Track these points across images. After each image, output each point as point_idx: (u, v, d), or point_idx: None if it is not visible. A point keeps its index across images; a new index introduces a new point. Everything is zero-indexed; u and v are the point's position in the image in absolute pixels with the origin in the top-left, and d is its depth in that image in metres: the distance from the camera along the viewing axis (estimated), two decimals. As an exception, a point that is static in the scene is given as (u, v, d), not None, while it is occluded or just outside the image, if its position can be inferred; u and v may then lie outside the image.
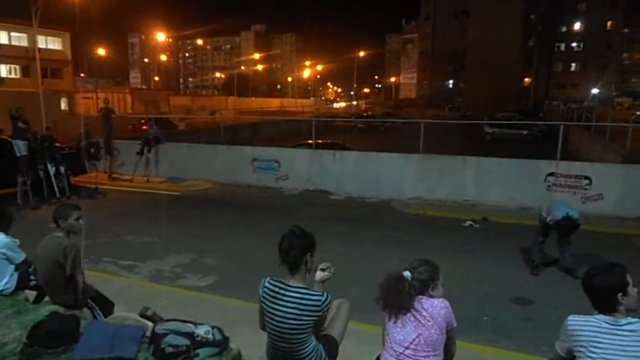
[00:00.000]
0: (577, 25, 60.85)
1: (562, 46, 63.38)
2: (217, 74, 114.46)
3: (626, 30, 65.20)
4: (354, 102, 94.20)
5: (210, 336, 2.59)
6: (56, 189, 11.29)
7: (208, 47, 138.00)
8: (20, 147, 10.82)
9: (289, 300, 2.45)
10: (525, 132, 25.72)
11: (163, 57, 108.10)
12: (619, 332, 2.12)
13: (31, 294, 3.67)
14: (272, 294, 2.50)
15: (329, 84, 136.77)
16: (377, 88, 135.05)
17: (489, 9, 55.61)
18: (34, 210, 10.35)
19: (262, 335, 2.71)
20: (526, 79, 62.63)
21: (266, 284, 2.56)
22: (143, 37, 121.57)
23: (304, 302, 2.43)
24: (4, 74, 41.29)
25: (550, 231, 6.73)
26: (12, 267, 3.59)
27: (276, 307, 2.46)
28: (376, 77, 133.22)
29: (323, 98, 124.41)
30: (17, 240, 3.75)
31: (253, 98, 72.15)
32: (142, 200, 11.92)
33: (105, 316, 3.42)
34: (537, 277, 6.57)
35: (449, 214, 10.12)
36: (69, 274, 3.23)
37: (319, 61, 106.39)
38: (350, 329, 3.99)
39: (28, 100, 19.68)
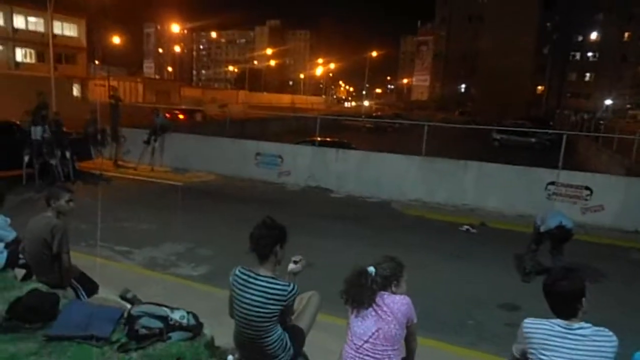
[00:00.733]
0: (593, 35, 60.27)
1: (577, 55, 62.78)
2: (230, 68, 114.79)
3: (643, 42, 64.46)
4: (365, 103, 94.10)
5: (184, 321, 2.67)
6: (61, 173, 11.45)
7: (222, 40, 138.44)
8: (37, 132, 11.03)
9: (256, 288, 2.51)
10: (533, 140, 25.57)
11: (177, 49, 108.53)
12: (571, 336, 2.16)
13: (20, 272, 3.78)
14: (241, 282, 2.57)
15: (340, 82, 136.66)
16: (389, 89, 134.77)
17: (504, 14, 55.27)
18: (37, 193, 10.51)
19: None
20: (539, 87, 62.17)
21: (236, 272, 2.63)
22: (158, 27, 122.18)
23: (270, 291, 2.50)
24: (19, 59, 41.77)
25: (544, 239, 6.74)
26: (2, 244, 3.69)
27: (244, 294, 2.53)
28: (388, 78, 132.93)
29: (335, 96, 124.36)
30: (7, 219, 3.86)
31: (264, 93, 72.35)
32: (145, 189, 12.05)
33: (89, 297, 3.51)
34: (528, 285, 6.58)
35: (447, 218, 10.13)
36: (55, 252, 3.33)
37: (332, 59, 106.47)
38: (330, 323, 4.05)
39: (41, 85, 19.93)
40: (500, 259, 7.64)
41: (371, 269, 2.69)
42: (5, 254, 3.66)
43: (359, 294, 2.57)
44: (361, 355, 2.48)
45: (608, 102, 54.42)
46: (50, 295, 2.79)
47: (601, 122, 22.94)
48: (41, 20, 39.88)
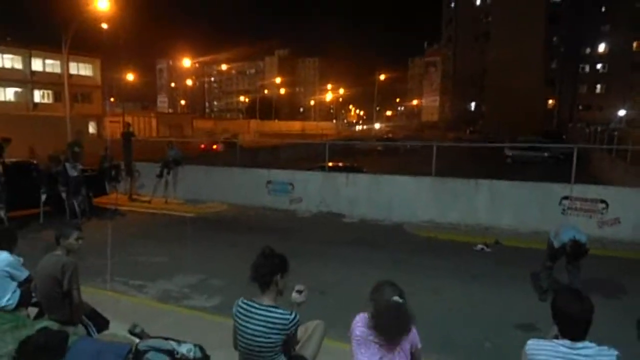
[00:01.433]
0: (601, 47, 60.16)
1: (587, 68, 62.56)
2: (242, 98, 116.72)
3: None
4: (376, 126, 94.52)
5: (190, 354, 2.68)
6: (77, 210, 11.67)
7: (233, 71, 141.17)
8: (75, 169, 11.50)
9: (258, 318, 2.53)
10: (546, 154, 25.35)
11: (189, 82, 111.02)
12: (575, 357, 2.12)
13: (33, 311, 3.84)
14: (243, 312, 2.59)
15: (350, 106, 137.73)
16: (400, 111, 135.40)
17: (510, 31, 55.58)
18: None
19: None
20: (549, 101, 61.90)
21: (239, 303, 2.65)
22: (170, 62, 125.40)
23: (271, 320, 2.51)
24: (37, 99, 43.17)
25: (559, 255, 6.62)
26: (15, 284, 3.77)
27: (246, 325, 2.54)
28: (398, 100, 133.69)
29: (345, 121, 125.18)
30: (20, 259, 3.95)
31: (275, 121, 73.22)
32: (159, 222, 12.19)
33: (99, 332, 3.55)
34: (545, 303, 6.42)
35: (460, 238, 10.03)
36: (66, 289, 3.39)
37: (341, 84, 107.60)
38: (341, 349, 4.01)
39: (57, 124, 20.58)
40: (516, 277, 7.51)
41: (397, 298, 2.65)
42: (18, 293, 3.74)
43: (401, 327, 2.51)
44: None
45: (621, 112, 53.81)
46: (58, 333, 2.83)
47: (614, 132, 22.66)
48: (58, 62, 41.30)
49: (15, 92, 42.36)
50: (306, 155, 28.05)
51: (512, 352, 5.10)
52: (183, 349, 2.70)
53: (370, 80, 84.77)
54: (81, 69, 45.35)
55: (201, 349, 2.77)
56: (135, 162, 14.96)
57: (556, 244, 6.42)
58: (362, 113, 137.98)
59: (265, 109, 76.24)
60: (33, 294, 3.82)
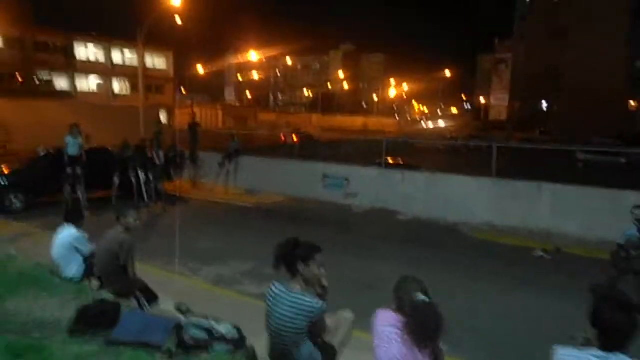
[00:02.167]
0: (696, 44, 54.72)
1: (676, 66, 57.24)
2: (305, 92, 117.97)
3: None
4: (441, 123, 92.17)
5: (228, 334, 2.84)
6: (145, 195, 12.44)
7: (298, 66, 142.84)
8: (161, 157, 13.01)
9: (286, 303, 2.63)
10: (623, 160, 23.56)
11: (255, 76, 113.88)
12: None
13: (96, 283, 4.20)
14: (274, 295, 2.70)
15: (414, 102, 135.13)
16: (466, 109, 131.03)
17: (589, 27, 51.93)
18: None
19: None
20: (632, 103, 57.33)
21: (272, 287, 2.77)
22: (239, 56, 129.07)
23: (298, 306, 2.60)
24: (117, 90, 46.17)
25: (625, 264, 6.22)
26: (82, 258, 4.14)
27: (276, 308, 2.65)
28: (464, 97, 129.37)
29: (409, 118, 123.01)
30: (86, 235, 4.33)
31: (338, 116, 73.39)
32: (219, 209, 12.72)
33: (150, 306, 3.83)
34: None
35: (519, 242, 9.64)
36: (122, 264, 3.71)
37: (406, 80, 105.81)
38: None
39: (133, 113, 21.90)
40: (575, 288, 7.11)
41: (424, 298, 2.65)
42: (84, 266, 4.11)
43: (431, 332, 2.51)
44: None
45: None
46: (113, 304, 3.10)
47: None
48: (135, 55, 43.89)
49: (98, 84, 45.53)
50: (367, 151, 27.94)
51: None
52: (222, 328, 2.86)
53: (436, 77, 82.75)
54: (155, 61, 47.89)
55: (239, 330, 2.92)
56: (199, 152, 15.66)
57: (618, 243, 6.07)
58: (426, 110, 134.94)
59: (327, 103, 76.70)
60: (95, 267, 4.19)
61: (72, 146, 11.05)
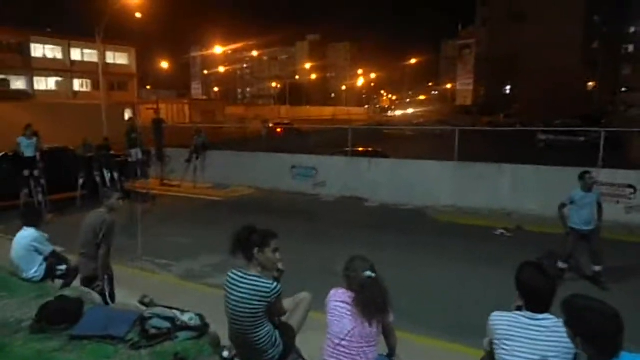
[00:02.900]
0: (647, 25, 56.97)
1: (630, 48, 59.46)
2: (273, 84, 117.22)
3: None
4: (409, 110, 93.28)
5: (192, 322, 2.92)
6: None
7: (265, 57, 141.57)
8: (137, 154, 12.75)
9: (243, 286, 2.73)
10: (582, 138, 24.45)
11: (221, 69, 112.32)
12: (534, 328, 2.21)
13: (58, 283, 4.20)
14: (231, 281, 2.80)
15: (382, 91, 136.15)
16: (433, 95, 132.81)
17: (547, 11, 53.37)
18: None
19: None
20: (589, 84, 59.35)
21: (229, 273, 2.86)
22: (204, 50, 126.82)
23: (254, 288, 2.70)
24: (77, 88, 44.84)
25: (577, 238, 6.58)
26: (41, 258, 4.13)
27: (233, 292, 2.75)
28: (430, 84, 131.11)
29: (378, 106, 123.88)
30: (46, 235, 4.31)
31: (306, 107, 73.39)
32: (187, 205, 12.65)
33: (113, 301, 3.89)
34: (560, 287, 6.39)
35: (482, 222, 9.99)
36: (99, 241, 3.83)
37: (373, 69, 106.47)
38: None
39: (94, 111, 21.39)
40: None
41: (370, 273, 2.79)
42: (44, 266, 4.09)
43: (378, 305, 2.66)
44: (338, 353, 2.63)
45: (668, 94, 51.04)
46: (75, 300, 3.13)
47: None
48: (95, 52, 42.68)
49: (57, 82, 44.09)
50: (335, 141, 28.11)
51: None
52: (185, 317, 2.93)
53: (402, 65, 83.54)
54: (117, 57, 46.71)
55: (202, 318, 3.00)
56: (165, 148, 15.47)
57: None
58: (394, 98, 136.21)
59: (296, 94, 76.51)
60: (58, 268, 4.19)
61: (27, 147, 10.73)
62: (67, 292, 3.62)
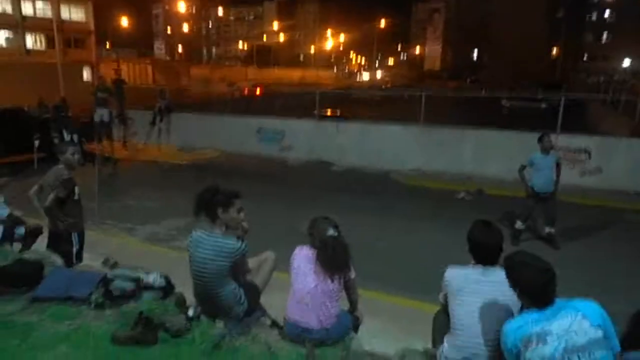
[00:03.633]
0: (610, -6, 58.10)
1: (594, 16, 60.68)
2: (240, 45, 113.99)
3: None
4: (378, 74, 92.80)
5: (156, 283, 2.92)
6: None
7: (231, 17, 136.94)
8: (104, 115, 12.54)
9: (207, 246, 2.75)
10: (543, 105, 25.14)
11: (185, 28, 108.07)
12: (485, 281, 2.35)
13: (17, 246, 4.10)
14: (196, 240, 2.81)
15: (352, 54, 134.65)
16: (402, 59, 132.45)
17: (516, -23, 53.58)
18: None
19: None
20: (553, 51, 60.53)
21: (193, 233, 2.87)
22: (167, 7, 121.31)
23: (218, 247, 2.73)
24: (29, 45, 42.25)
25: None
26: (-2, 221, 4.01)
27: (197, 251, 2.78)
28: (399, 47, 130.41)
29: (347, 70, 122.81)
30: (2, 197, 4.17)
31: (274, 69, 71.95)
32: (151, 168, 12.40)
33: (80, 261, 3.87)
34: (516, 248, 6.70)
35: (445, 186, 10.25)
36: (47, 205, 3.79)
37: (342, 31, 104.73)
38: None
39: (49, 71, 20.34)
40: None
41: (332, 232, 2.86)
42: (0, 230, 3.98)
43: (339, 261, 2.74)
44: (301, 308, 2.71)
45: (626, 63, 52.74)
46: (34, 263, 3.07)
47: (616, 84, 22.39)
48: (48, 6, 40.13)
49: (7, 38, 41.40)
50: (303, 104, 27.88)
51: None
52: (149, 277, 2.93)
53: (372, 27, 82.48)
54: (73, 13, 44.05)
55: (166, 278, 3.00)
56: (127, 110, 14.96)
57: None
58: (363, 61, 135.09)
59: (263, 56, 74.80)
60: (15, 231, 4.08)
61: None
62: (26, 255, 3.54)
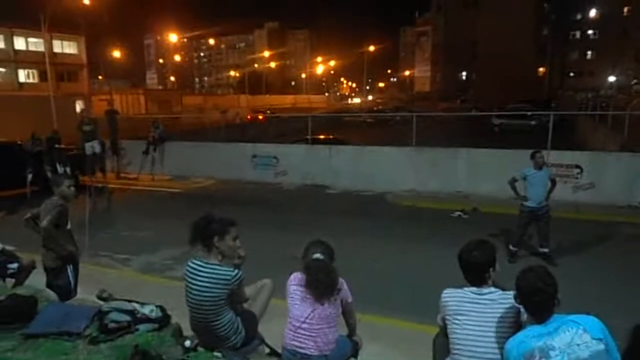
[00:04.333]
0: (592, 12, 59.59)
1: (578, 34, 62.17)
2: (232, 73, 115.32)
3: (644, 16, 63.49)
4: (369, 97, 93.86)
5: (152, 314, 2.88)
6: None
7: (222, 46, 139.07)
8: (95, 147, 12.45)
9: (203, 275, 2.73)
10: (533, 122, 25.41)
11: (177, 58, 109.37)
12: (481, 301, 2.35)
13: (10, 282, 4.04)
14: (192, 270, 2.79)
15: (342, 79, 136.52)
16: (392, 82, 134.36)
17: (499, -1, 54.93)
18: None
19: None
20: (540, 69, 61.63)
21: (189, 263, 2.85)
22: (158, 38, 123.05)
23: (215, 276, 2.71)
24: (22, 79, 42.55)
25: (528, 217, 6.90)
26: (-10, 257, 3.96)
27: (194, 281, 2.75)
28: (389, 71, 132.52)
29: (338, 94, 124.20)
30: (-6, 233, 4.13)
31: (267, 95, 72.65)
32: (145, 198, 12.35)
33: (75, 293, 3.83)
34: (513, 265, 6.69)
35: (439, 205, 10.27)
36: (44, 224, 3.78)
37: (333, 57, 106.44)
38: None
39: (42, 104, 20.40)
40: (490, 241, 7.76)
41: (318, 256, 2.85)
42: (-7, 265, 3.93)
43: (326, 284, 2.73)
44: (299, 335, 2.69)
45: (611, 78, 53.77)
46: (27, 298, 3.03)
47: (604, 101, 22.76)
48: (41, 41, 40.54)
49: (0, 72, 41.73)
50: (296, 129, 28.07)
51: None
52: (145, 309, 2.90)
53: (362, 52, 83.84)
54: (65, 47, 44.59)
55: (162, 309, 2.97)
56: (120, 140, 15.00)
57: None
58: (354, 85, 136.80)
59: (255, 83, 75.53)
60: (9, 266, 4.04)
61: None
62: (19, 290, 3.49)
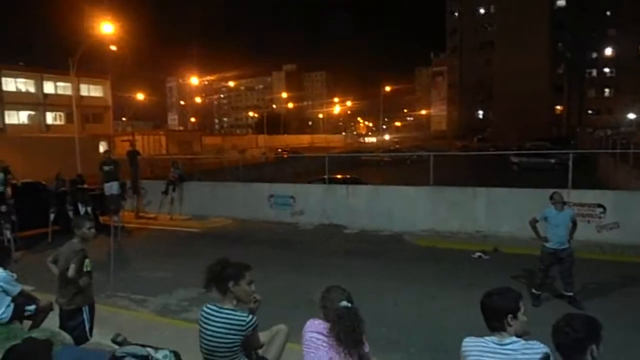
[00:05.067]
0: (608, 51, 59.81)
1: (594, 72, 62.26)
2: (251, 113, 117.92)
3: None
4: (386, 137, 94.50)
5: (165, 359, 2.83)
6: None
7: (242, 87, 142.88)
8: (113, 188, 12.42)
9: (217, 320, 2.69)
10: (552, 160, 25.17)
11: (198, 100, 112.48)
12: (502, 351, 2.25)
13: (27, 325, 4.05)
14: (206, 315, 2.76)
15: (359, 118, 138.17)
16: (409, 121, 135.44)
17: (514, 39, 55.64)
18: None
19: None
20: (557, 107, 61.53)
21: (204, 308, 2.82)
22: (180, 81, 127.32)
23: (229, 322, 2.67)
24: (50, 121, 44.16)
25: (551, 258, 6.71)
26: (9, 298, 3.99)
27: (208, 327, 2.71)
28: (405, 110, 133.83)
29: (355, 133, 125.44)
30: (14, 275, 4.18)
31: (284, 135, 73.70)
32: (163, 238, 12.43)
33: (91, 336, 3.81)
34: (538, 309, 6.47)
35: (459, 246, 10.08)
36: (70, 274, 3.87)
37: (349, 96, 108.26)
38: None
39: (68, 145, 21.03)
40: (513, 284, 7.54)
41: (345, 303, 2.78)
42: (12, 307, 3.95)
43: (355, 336, 2.63)
44: None
45: (631, 115, 53.25)
46: (43, 342, 3.01)
47: (624, 138, 22.49)
48: (69, 85, 42.30)
49: (29, 115, 43.40)
50: (313, 169, 28.27)
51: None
52: (159, 354, 2.85)
53: (378, 92, 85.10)
54: (91, 90, 46.38)
55: (176, 354, 2.91)
56: (141, 180, 15.28)
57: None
58: (371, 125, 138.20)
59: (273, 123, 76.82)
60: (27, 309, 4.05)
61: None
62: (35, 333, 3.48)
